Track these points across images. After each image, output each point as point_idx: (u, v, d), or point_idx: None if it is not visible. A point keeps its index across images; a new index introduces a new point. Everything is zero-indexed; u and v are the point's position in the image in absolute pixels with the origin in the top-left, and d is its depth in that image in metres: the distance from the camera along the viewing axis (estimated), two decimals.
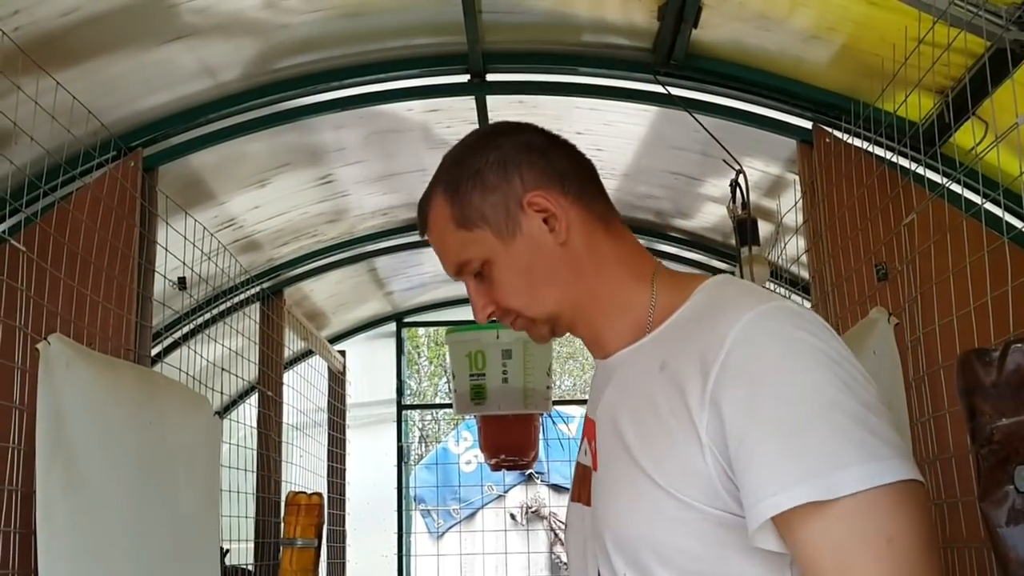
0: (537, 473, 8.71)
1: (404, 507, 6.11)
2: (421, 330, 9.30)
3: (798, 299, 3.58)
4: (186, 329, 3.54)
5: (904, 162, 2.45)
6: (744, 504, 1.04)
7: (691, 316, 1.19)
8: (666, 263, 4.28)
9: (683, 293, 1.23)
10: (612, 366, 1.27)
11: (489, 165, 1.27)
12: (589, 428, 1.28)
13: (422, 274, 5.20)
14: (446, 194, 1.29)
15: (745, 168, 3.16)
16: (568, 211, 1.27)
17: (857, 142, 2.62)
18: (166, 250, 2.97)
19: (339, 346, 5.66)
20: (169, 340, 3.64)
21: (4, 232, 2.28)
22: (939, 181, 2.32)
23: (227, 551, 3.75)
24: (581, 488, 1.26)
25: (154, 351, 3.08)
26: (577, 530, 1.28)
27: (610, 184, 4.01)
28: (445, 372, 11.76)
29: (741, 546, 1.07)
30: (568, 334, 1.35)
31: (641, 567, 1.12)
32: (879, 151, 2.52)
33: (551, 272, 1.26)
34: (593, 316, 1.29)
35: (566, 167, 1.30)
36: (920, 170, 2.38)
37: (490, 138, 1.33)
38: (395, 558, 5.94)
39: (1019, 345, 1.43)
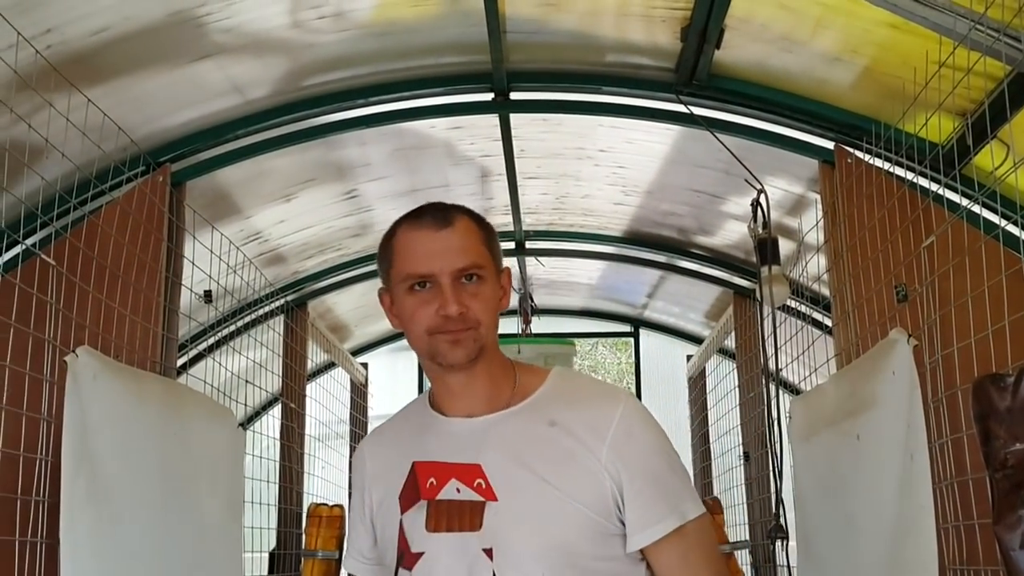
0: None
1: None
2: None
3: (819, 317, 3.58)
4: (211, 341, 3.58)
5: (925, 183, 2.46)
6: (633, 524, 1.55)
7: (557, 394, 1.65)
8: (689, 279, 4.29)
9: (537, 379, 1.67)
10: (484, 423, 1.62)
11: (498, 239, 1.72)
12: (470, 471, 1.58)
13: None
14: (474, 220, 1.66)
15: (767, 187, 3.17)
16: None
17: (879, 163, 2.62)
18: (192, 263, 3.00)
19: (362, 358, 5.69)
20: (194, 352, 3.67)
21: (34, 246, 2.32)
22: (959, 202, 2.33)
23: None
24: (462, 519, 1.56)
25: (179, 363, 3.12)
26: (455, 555, 1.55)
27: (632, 201, 4.05)
28: None
29: (621, 552, 1.56)
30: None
31: (553, 563, 1.52)
32: (900, 172, 2.52)
33: (497, 318, 1.66)
34: (494, 370, 1.66)
35: None
36: (941, 191, 2.39)
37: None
38: None
39: None
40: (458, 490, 1.57)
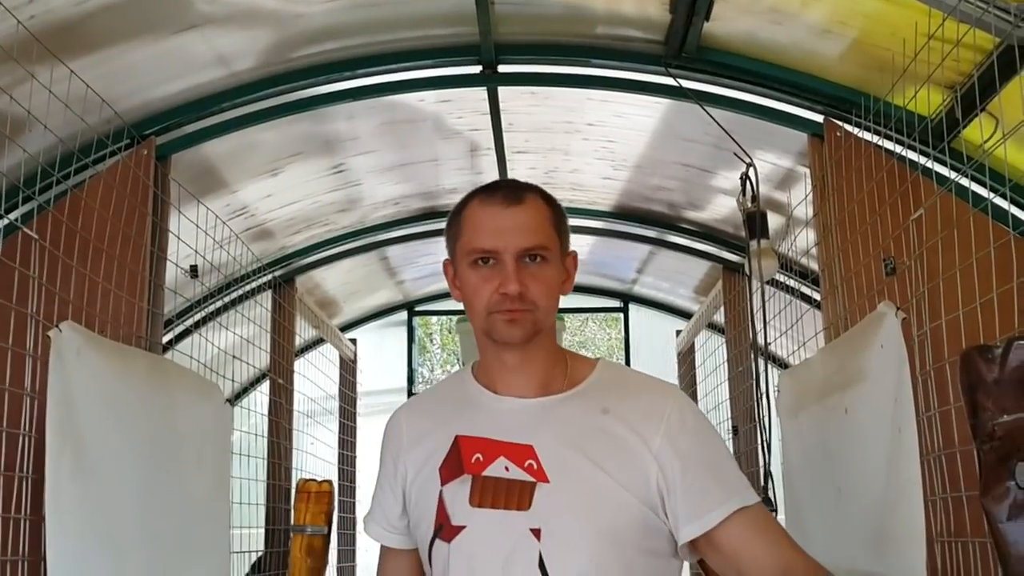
0: None
1: None
2: (434, 317, 9.36)
3: (807, 291, 3.58)
4: (197, 317, 3.56)
5: (914, 156, 2.45)
6: (688, 513, 1.55)
7: (608, 383, 1.68)
8: (679, 255, 4.28)
9: (587, 367, 1.70)
10: (537, 406, 1.65)
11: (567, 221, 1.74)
12: (521, 451, 1.59)
13: (434, 263, 5.21)
14: (547, 201, 1.68)
15: (756, 160, 3.16)
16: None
17: (868, 136, 2.61)
18: (178, 238, 2.99)
19: (350, 334, 5.68)
20: (180, 328, 3.66)
21: (17, 220, 2.29)
22: (948, 175, 2.32)
23: None
24: (509, 497, 1.57)
25: (165, 339, 3.10)
26: (499, 532, 1.57)
27: (621, 175, 4.03)
28: (457, 360, 11.79)
29: (663, 547, 1.59)
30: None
31: (600, 549, 1.54)
32: (889, 145, 2.51)
33: (557, 302, 1.67)
34: (549, 354, 1.68)
35: None
36: (930, 164, 2.38)
37: None
38: None
39: (1022, 342, 1.44)
40: (507, 468, 1.58)
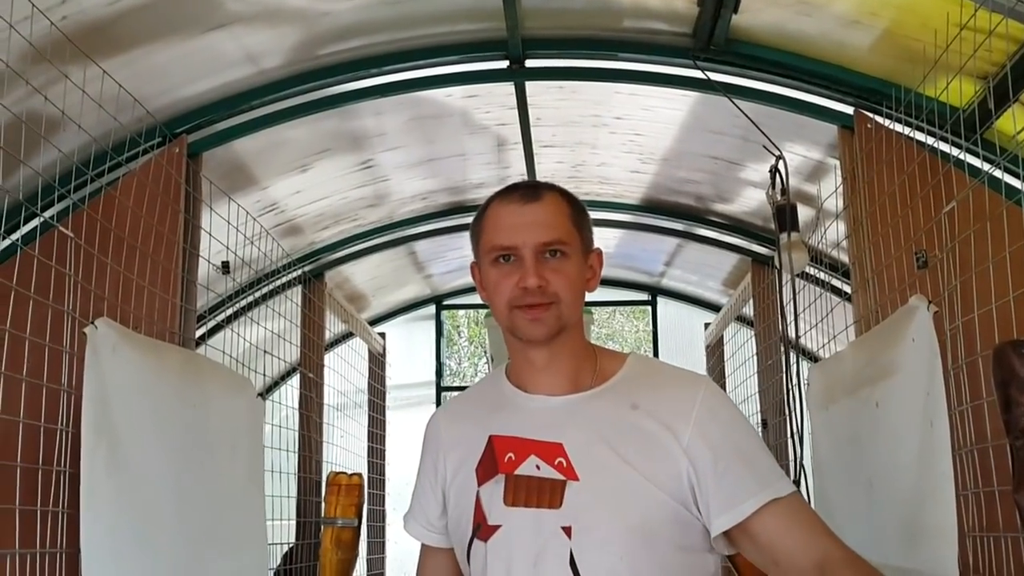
0: None
1: None
2: (461, 311, 9.38)
3: (838, 284, 3.56)
4: (229, 312, 3.59)
5: (946, 148, 2.43)
6: (721, 504, 1.54)
7: (638, 378, 1.67)
8: (706, 247, 4.26)
9: (617, 362, 1.69)
10: (566, 403, 1.65)
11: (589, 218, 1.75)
12: (551, 449, 1.60)
13: (461, 257, 5.23)
14: (564, 197, 1.69)
15: (786, 153, 3.14)
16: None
17: (899, 128, 2.59)
18: (210, 235, 3.01)
19: (379, 328, 5.70)
20: (212, 323, 3.69)
21: (52, 218, 2.32)
22: (981, 167, 2.30)
23: None
24: (541, 496, 1.58)
25: (198, 334, 3.12)
26: (532, 531, 1.58)
27: (649, 169, 4.02)
28: (485, 353, 11.81)
29: (696, 541, 1.58)
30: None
31: (631, 545, 1.54)
32: (921, 137, 2.49)
33: (581, 297, 1.67)
34: (577, 350, 1.68)
35: None
36: (962, 156, 2.36)
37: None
38: None
39: None
40: (538, 467, 1.60)
